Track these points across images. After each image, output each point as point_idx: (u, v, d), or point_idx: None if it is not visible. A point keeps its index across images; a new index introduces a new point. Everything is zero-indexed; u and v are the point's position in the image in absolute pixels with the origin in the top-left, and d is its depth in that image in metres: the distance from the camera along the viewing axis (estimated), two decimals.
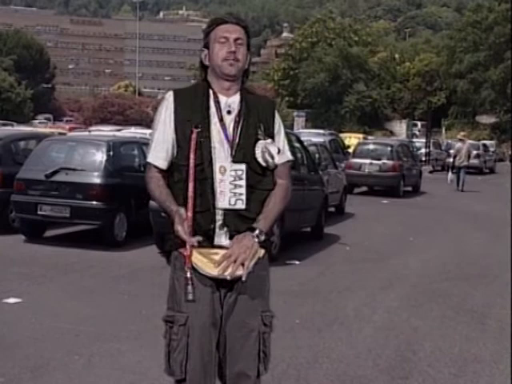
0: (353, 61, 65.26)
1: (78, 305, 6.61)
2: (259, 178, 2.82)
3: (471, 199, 19.64)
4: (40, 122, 51.45)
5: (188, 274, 2.73)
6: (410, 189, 20.92)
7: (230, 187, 2.76)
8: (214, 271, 2.75)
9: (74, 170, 9.88)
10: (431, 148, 33.75)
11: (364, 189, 20.47)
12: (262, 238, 2.77)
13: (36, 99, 65.44)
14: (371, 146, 21.50)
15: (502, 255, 9.91)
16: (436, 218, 15.14)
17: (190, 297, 2.73)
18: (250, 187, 2.79)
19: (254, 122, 2.82)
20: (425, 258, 10.05)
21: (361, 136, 34.31)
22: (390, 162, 19.94)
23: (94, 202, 9.66)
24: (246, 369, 2.81)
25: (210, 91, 2.85)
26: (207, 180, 2.76)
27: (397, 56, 70.83)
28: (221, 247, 2.77)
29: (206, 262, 2.76)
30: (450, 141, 41.45)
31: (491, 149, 38.26)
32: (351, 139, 30.13)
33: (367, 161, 20.03)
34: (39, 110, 64.87)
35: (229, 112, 2.83)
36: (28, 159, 10.35)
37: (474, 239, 12.13)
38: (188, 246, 2.72)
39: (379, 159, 20.05)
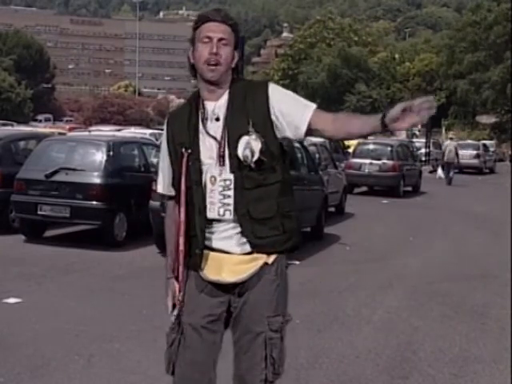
0: (353, 61, 65.29)
1: (77, 305, 6.61)
2: (260, 176, 2.71)
3: (471, 199, 19.65)
4: (39, 121, 51.56)
5: (174, 312, 2.82)
6: (409, 189, 20.92)
7: (219, 197, 2.72)
8: (212, 276, 2.76)
9: (73, 170, 9.87)
10: (431, 148, 33.77)
11: (364, 189, 20.47)
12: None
13: (36, 99, 65.52)
14: (371, 146, 21.48)
15: (501, 255, 9.91)
16: (436, 218, 15.14)
17: (172, 318, 2.82)
18: (249, 190, 2.70)
19: (242, 120, 2.70)
20: (425, 257, 10.05)
21: None
22: (390, 162, 19.94)
23: (94, 202, 9.66)
24: (248, 373, 2.80)
25: (199, 101, 2.78)
26: (196, 205, 2.73)
27: (397, 56, 70.87)
28: (226, 252, 2.75)
29: (208, 265, 2.77)
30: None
31: (491, 149, 38.25)
32: None
33: (367, 161, 20.03)
34: (39, 110, 64.92)
35: (217, 119, 2.74)
36: (28, 159, 10.35)
37: (474, 239, 12.13)
38: (181, 272, 2.78)
39: (379, 159, 20.05)
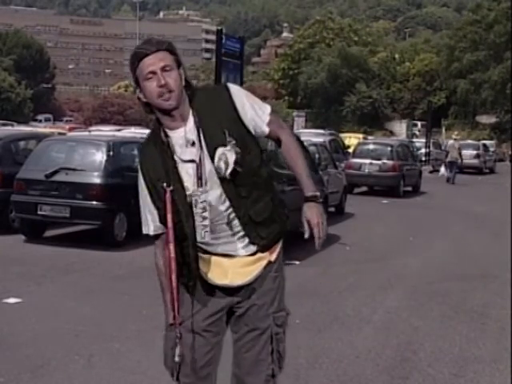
0: (353, 61, 65.25)
1: (77, 305, 6.61)
2: (238, 188, 2.69)
3: (471, 199, 19.65)
4: (39, 121, 51.54)
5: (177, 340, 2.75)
6: (409, 189, 20.91)
7: (199, 220, 2.68)
8: (218, 280, 2.76)
9: (73, 170, 9.87)
10: (431, 148, 33.74)
11: (364, 189, 20.46)
12: (320, 197, 2.80)
13: (36, 99, 65.53)
14: (371, 146, 21.50)
15: (501, 255, 9.91)
16: (436, 218, 15.14)
17: (177, 359, 2.75)
18: (246, 198, 2.69)
19: (217, 133, 2.65)
20: (425, 257, 10.05)
21: (361, 136, 34.30)
22: (390, 162, 19.93)
23: (94, 202, 9.66)
24: (254, 369, 2.82)
25: (164, 134, 2.70)
26: (189, 237, 2.69)
27: (397, 56, 70.82)
28: (229, 256, 2.75)
29: (212, 270, 2.76)
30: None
31: (491, 149, 38.24)
32: (351, 139, 30.12)
33: (367, 161, 20.02)
34: (39, 109, 64.91)
35: (193, 144, 2.68)
36: (28, 159, 10.35)
37: (474, 239, 12.13)
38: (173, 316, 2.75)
39: (379, 159, 20.04)
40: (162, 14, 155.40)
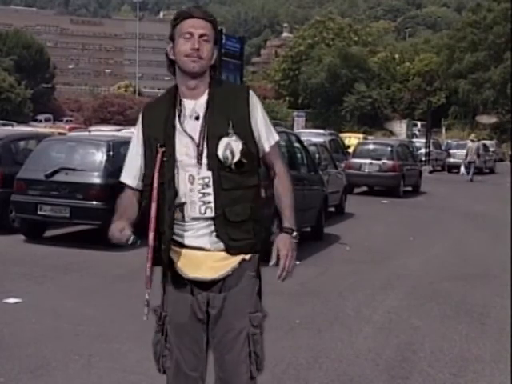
0: (353, 61, 65.27)
1: (77, 305, 6.61)
2: (239, 177, 2.73)
3: (471, 199, 19.65)
4: (39, 121, 51.51)
5: (146, 295, 2.80)
6: (409, 189, 20.92)
7: (199, 196, 2.72)
8: (192, 273, 2.76)
9: (73, 170, 9.88)
10: (431, 148, 33.74)
11: (364, 189, 20.46)
12: (297, 236, 2.81)
13: (36, 99, 65.51)
14: (371, 146, 21.51)
15: (502, 255, 9.90)
16: (436, 217, 15.14)
17: (145, 318, 2.82)
18: (227, 191, 2.71)
19: (222, 120, 2.72)
20: (425, 257, 10.05)
21: (361, 136, 34.31)
22: (390, 162, 19.93)
23: (94, 202, 9.66)
24: (235, 371, 2.79)
25: (178, 98, 2.79)
26: (166, 202, 2.73)
27: (397, 56, 70.84)
28: (202, 249, 2.75)
29: (186, 264, 2.77)
30: (450, 141, 41.47)
31: (491, 149, 38.24)
32: (351, 139, 30.15)
33: (367, 161, 20.02)
34: (39, 109, 64.88)
35: (197, 118, 2.75)
36: (28, 159, 10.35)
37: (474, 239, 12.13)
38: (148, 267, 2.77)
39: (379, 159, 20.05)
40: (161, 14, 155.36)
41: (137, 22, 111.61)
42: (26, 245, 9.92)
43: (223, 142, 2.69)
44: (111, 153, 10.12)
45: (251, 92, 2.82)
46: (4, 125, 31.37)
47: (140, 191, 2.86)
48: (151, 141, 2.78)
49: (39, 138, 11.73)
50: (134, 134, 2.89)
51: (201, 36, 2.72)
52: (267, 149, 2.83)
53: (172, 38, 2.80)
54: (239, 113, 2.75)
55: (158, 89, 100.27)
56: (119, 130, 23.45)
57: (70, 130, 27.85)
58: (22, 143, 11.78)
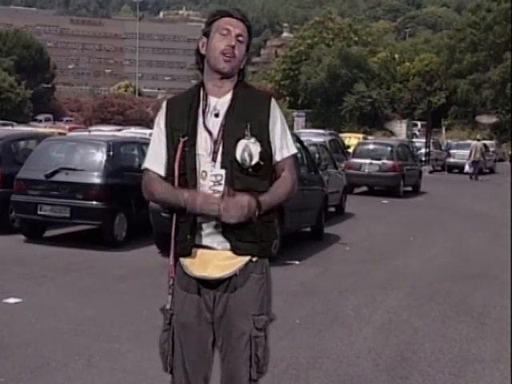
0: (352, 61, 65.26)
1: (77, 305, 6.61)
2: (251, 180, 2.72)
3: (471, 199, 19.65)
4: (39, 121, 51.52)
5: (170, 283, 2.80)
6: (409, 189, 20.92)
7: (209, 192, 2.71)
8: (197, 272, 2.75)
9: (73, 170, 9.88)
10: (431, 148, 33.73)
11: (364, 189, 20.47)
12: (256, 210, 2.68)
13: (36, 99, 65.48)
14: (371, 146, 21.51)
15: (501, 255, 9.91)
16: (436, 217, 15.14)
17: (168, 306, 2.81)
18: (237, 191, 2.68)
19: (241, 122, 2.72)
20: (425, 257, 10.05)
21: (361, 136, 34.31)
22: (390, 162, 19.93)
23: (94, 202, 9.66)
24: (236, 373, 2.79)
25: (202, 93, 2.81)
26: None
27: (397, 56, 70.84)
28: (210, 248, 2.75)
29: (193, 262, 2.77)
30: (450, 141, 41.48)
31: (491, 149, 38.23)
32: (351, 139, 30.14)
33: (367, 161, 20.02)
34: (39, 109, 64.85)
35: (216, 115, 2.76)
36: (28, 159, 10.35)
37: (474, 239, 12.13)
38: (171, 257, 2.76)
39: (379, 159, 20.05)
40: (161, 14, 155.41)
41: (137, 22, 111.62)
42: (26, 245, 9.92)
43: (241, 143, 2.69)
44: (111, 153, 10.13)
45: (273, 101, 2.83)
46: (4, 125, 31.36)
47: (164, 178, 2.83)
48: (174, 132, 2.79)
49: (39, 137, 11.73)
50: (156, 125, 2.87)
51: (237, 36, 2.76)
52: (278, 159, 2.81)
53: (206, 35, 2.81)
54: (258, 118, 2.76)
55: (158, 89, 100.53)
56: (119, 130, 23.49)
57: (70, 130, 27.87)
58: (21, 143, 11.78)
